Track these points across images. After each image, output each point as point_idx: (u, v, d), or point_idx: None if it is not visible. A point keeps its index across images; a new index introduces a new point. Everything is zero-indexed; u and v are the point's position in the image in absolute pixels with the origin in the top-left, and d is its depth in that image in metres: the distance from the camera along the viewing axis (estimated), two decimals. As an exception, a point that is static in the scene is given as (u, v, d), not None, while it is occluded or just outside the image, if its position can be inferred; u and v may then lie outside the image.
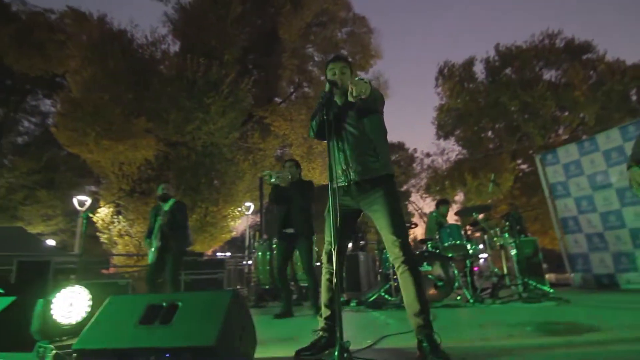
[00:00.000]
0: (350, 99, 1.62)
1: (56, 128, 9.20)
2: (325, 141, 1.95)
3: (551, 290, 3.85)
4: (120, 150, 9.06)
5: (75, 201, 10.78)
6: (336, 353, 1.30)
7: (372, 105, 1.82)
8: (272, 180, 3.24)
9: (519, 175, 19.11)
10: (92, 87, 9.56)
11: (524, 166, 19.62)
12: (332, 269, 1.76)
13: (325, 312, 1.84)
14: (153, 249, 3.59)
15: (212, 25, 11.24)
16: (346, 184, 1.86)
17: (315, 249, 3.99)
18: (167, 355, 1.34)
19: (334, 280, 1.51)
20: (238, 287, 7.23)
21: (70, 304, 2.46)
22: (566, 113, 18.37)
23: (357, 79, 1.65)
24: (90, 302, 2.55)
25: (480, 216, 3.99)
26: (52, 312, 2.37)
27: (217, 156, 11.28)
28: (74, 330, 2.42)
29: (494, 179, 3.87)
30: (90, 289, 2.71)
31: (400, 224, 1.79)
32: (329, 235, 1.80)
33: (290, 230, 3.58)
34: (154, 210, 3.83)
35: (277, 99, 14.35)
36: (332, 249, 1.54)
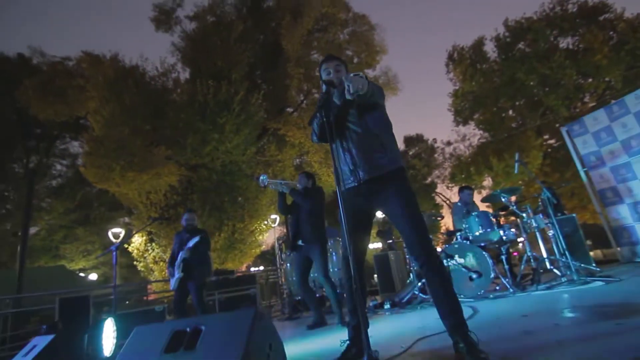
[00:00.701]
0: (348, 97, 1.57)
1: (84, 167, 9.64)
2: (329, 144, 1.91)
3: (598, 269, 3.60)
4: (144, 180, 9.37)
5: (110, 234, 11.24)
6: (364, 364, 1.24)
7: (371, 100, 1.75)
8: (271, 186, 3.29)
9: (547, 151, 18.30)
10: (112, 123, 9.99)
11: (551, 141, 18.79)
12: (351, 274, 1.69)
13: (352, 319, 1.77)
14: (176, 278, 3.66)
15: (217, 47, 11.52)
16: (356, 184, 1.78)
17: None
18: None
19: (354, 285, 1.44)
20: (272, 300, 7.25)
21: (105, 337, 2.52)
22: (589, 80, 17.46)
23: (351, 74, 1.60)
24: (115, 334, 2.60)
25: (513, 199, 3.79)
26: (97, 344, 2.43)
27: (237, 173, 11.46)
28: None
29: (519, 159, 3.67)
30: (126, 319, 2.76)
31: (417, 220, 1.69)
32: (346, 239, 1.75)
33: (300, 242, 3.55)
34: (178, 237, 3.91)
35: (289, 109, 14.46)
36: (349, 254, 1.48)
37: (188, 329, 1.51)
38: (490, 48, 19.36)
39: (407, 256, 5.05)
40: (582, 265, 3.67)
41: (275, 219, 13.49)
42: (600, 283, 3.04)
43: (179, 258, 3.73)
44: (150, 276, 11.16)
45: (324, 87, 1.80)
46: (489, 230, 3.60)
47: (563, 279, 3.45)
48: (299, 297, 5.19)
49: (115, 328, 2.61)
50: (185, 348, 1.43)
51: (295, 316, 4.92)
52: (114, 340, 2.57)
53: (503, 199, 3.68)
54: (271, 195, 12.69)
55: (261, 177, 3.37)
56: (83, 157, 10.14)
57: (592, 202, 4.94)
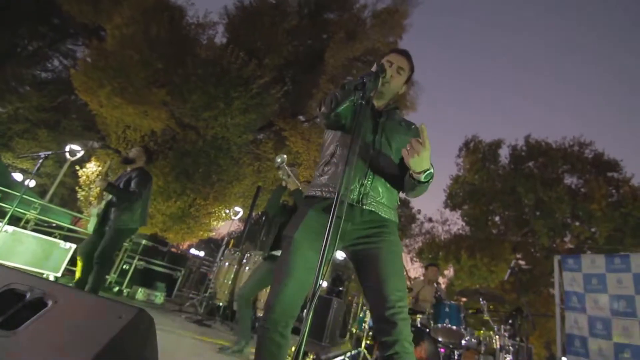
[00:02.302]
0: (416, 175, 1.23)
1: (75, 70, 8.93)
2: (330, 128, 1.46)
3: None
4: (129, 112, 8.69)
5: (67, 149, 10.31)
6: None
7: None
8: (282, 170, 2.75)
9: (515, 269, 18.31)
10: (127, 45, 9.37)
11: (522, 262, 18.96)
12: (279, 330, 1.20)
13: None
14: (94, 216, 3.01)
15: (264, 27, 11.26)
16: (354, 204, 1.31)
17: None
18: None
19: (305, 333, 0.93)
20: (192, 292, 6.50)
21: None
22: (577, 223, 17.93)
23: (427, 152, 1.19)
24: None
25: (487, 306, 3.37)
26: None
27: (224, 152, 10.86)
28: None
29: (514, 267, 3.32)
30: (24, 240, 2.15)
31: (403, 283, 1.27)
32: (289, 275, 1.23)
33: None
34: (123, 177, 3.30)
35: (302, 117, 14.14)
36: (315, 289, 0.96)
37: (28, 294, 0.97)
38: (504, 153, 19.88)
39: (352, 310, 4.52)
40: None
41: (239, 212, 12.81)
42: None
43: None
44: (86, 210, 10.20)
45: (374, 67, 1.38)
46: (454, 328, 3.14)
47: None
48: (221, 304, 4.55)
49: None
50: (4, 322, 0.89)
51: (207, 322, 4.27)
52: None
53: (481, 302, 3.27)
54: (245, 188, 12.07)
55: (282, 155, 2.81)
56: (80, 61, 9.42)
57: (556, 343, 4.57)
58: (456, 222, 20.01)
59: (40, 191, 16.22)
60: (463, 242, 18.28)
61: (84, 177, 10.43)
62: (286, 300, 1.21)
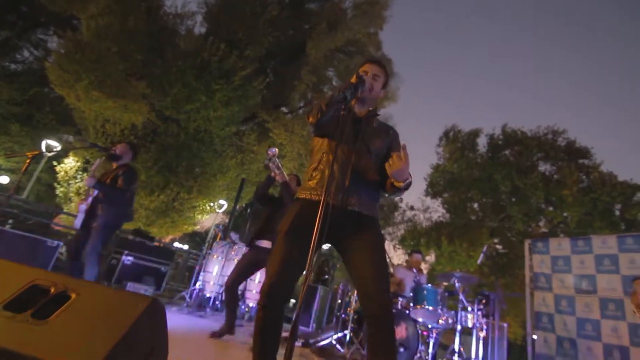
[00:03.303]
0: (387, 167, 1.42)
1: (50, 64, 8.65)
2: (318, 134, 1.62)
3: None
4: (108, 105, 8.52)
5: (43, 144, 10.06)
6: None
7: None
8: (272, 162, 2.88)
9: (492, 254, 19.11)
10: (104, 36, 9.12)
11: (499, 246, 19.71)
12: (271, 311, 1.38)
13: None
14: (82, 213, 3.05)
15: (245, 17, 11.13)
16: (338, 205, 1.47)
17: None
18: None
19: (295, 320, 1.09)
20: (182, 284, 6.60)
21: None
22: (551, 208, 18.76)
23: (406, 166, 1.42)
24: None
25: (461, 288, 3.64)
26: None
27: (207, 144, 10.81)
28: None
29: (486, 251, 3.59)
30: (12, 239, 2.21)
31: (388, 276, 1.47)
32: (284, 262, 1.42)
33: (265, 244, 3.13)
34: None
35: (284, 109, 14.15)
36: (305, 279, 1.13)
37: (52, 289, 1.09)
38: (482, 142, 20.45)
39: (338, 298, 4.74)
40: (500, 379, 3.55)
41: (223, 205, 12.82)
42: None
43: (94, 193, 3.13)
44: (66, 206, 10.00)
45: (354, 79, 1.53)
46: (431, 309, 3.39)
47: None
48: (210, 295, 4.68)
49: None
50: (34, 314, 1.01)
51: (199, 313, 4.40)
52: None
53: (456, 284, 3.53)
54: (229, 180, 12.07)
55: (273, 149, 2.92)
56: (54, 53, 9.10)
57: (527, 321, 4.93)
58: (437, 210, 20.55)
59: (13, 187, 15.66)
60: (443, 229, 18.85)
61: (62, 173, 10.19)
62: (279, 284, 1.39)
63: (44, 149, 9.93)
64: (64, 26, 13.87)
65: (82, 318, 1.01)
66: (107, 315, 1.03)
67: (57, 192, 10.28)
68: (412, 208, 21.21)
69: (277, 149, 2.98)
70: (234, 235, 3.11)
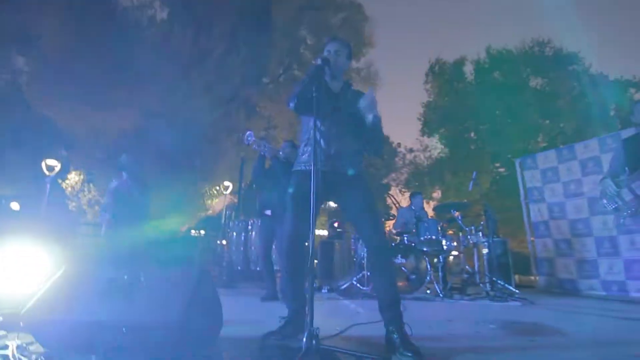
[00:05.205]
0: (368, 117, 1.74)
1: (28, 87, 8.64)
2: (301, 115, 1.90)
3: (517, 291, 3.97)
4: (98, 119, 8.63)
5: (43, 165, 10.26)
6: (304, 339, 1.26)
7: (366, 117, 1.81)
8: (254, 144, 3.19)
9: (496, 178, 19.52)
10: (71, 50, 8.99)
11: (501, 169, 20.07)
12: (299, 257, 1.74)
13: (290, 304, 1.80)
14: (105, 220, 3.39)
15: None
16: (326, 169, 1.78)
17: None
18: (124, 329, 1.26)
19: (310, 267, 1.45)
20: (209, 266, 7.12)
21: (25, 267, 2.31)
22: (547, 122, 18.86)
23: (372, 98, 1.73)
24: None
25: (457, 214, 4.03)
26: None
27: (199, 136, 10.94)
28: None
29: (475, 178, 3.93)
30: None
31: (375, 214, 1.82)
32: (294, 221, 1.78)
33: (268, 212, 3.49)
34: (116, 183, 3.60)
35: (265, 80, 14.02)
36: (308, 236, 1.48)
37: (125, 277, 1.43)
38: (469, 69, 20.12)
39: (352, 247, 5.20)
40: (505, 285, 4.02)
41: (228, 186, 13.17)
42: (517, 303, 3.37)
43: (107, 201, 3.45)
44: (82, 218, 10.45)
45: (319, 60, 1.76)
46: (434, 238, 3.81)
47: (487, 293, 3.77)
48: (240, 267, 5.16)
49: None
50: (121, 296, 1.36)
51: (232, 285, 4.89)
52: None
53: (452, 212, 3.91)
54: (229, 162, 12.32)
55: (247, 133, 3.23)
56: (29, 77, 9.05)
57: (526, 231, 5.38)
58: (435, 147, 20.66)
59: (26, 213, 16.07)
60: (445, 164, 19.07)
61: (69, 189, 10.53)
62: (295, 240, 1.78)
63: (45, 170, 10.18)
64: (25, 44, 13.52)
65: (154, 291, 1.37)
66: (172, 286, 1.38)
67: (70, 207, 10.67)
68: (411, 150, 21.38)
69: (250, 132, 3.26)
70: (268, 212, 3.47)
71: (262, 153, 3.37)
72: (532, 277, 5.85)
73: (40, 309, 1.33)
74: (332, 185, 1.78)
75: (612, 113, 18.12)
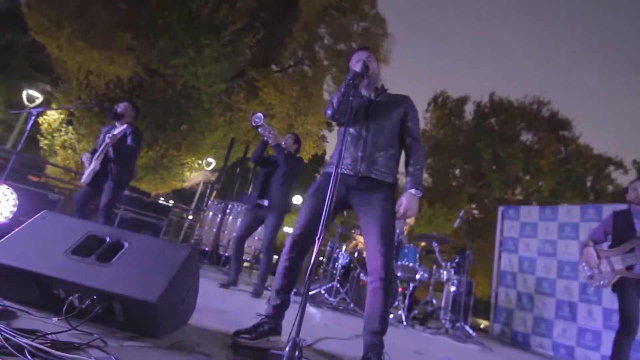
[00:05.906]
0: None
1: (28, 7, 8.13)
2: (337, 123, 1.85)
3: (474, 334, 4.02)
4: (93, 57, 8.21)
5: (24, 94, 9.69)
6: (287, 349, 1.18)
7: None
8: (262, 127, 3.10)
9: (469, 218, 20.03)
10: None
11: (475, 211, 20.65)
12: (302, 254, 1.72)
13: (275, 299, 1.71)
14: (90, 169, 3.18)
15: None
16: (352, 174, 1.75)
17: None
18: (94, 297, 1.14)
19: (309, 269, 1.37)
20: (174, 240, 6.88)
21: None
22: (527, 177, 19.60)
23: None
24: (15, 208, 2.22)
25: (436, 246, 4.06)
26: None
27: (195, 102, 10.64)
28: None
29: (462, 217, 3.97)
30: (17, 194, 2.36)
31: (390, 233, 1.72)
32: (307, 218, 1.71)
33: (265, 203, 3.38)
34: (106, 130, 3.40)
35: (275, 67, 13.83)
36: (317, 237, 1.39)
37: (107, 239, 1.31)
38: (470, 109, 20.65)
39: (326, 254, 5.13)
40: (464, 325, 4.07)
41: (211, 163, 12.89)
42: (476, 347, 3.40)
43: (101, 147, 3.24)
44: (51, 159, 9.90)
45: (357, 68, 1.74)
46: (410, 265, 3.80)
47: (446, 330, 3.79)
48: (207, 248, 4.99)
49: (15, 197, 2.21)
50: (98, 258, 1.23)
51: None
52: (10, 215, 2.17)
53: (434, 245, 3.93)
54: (217, 139, 12.04)
55: (258, 114, 3.12)
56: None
57: (492, 278, 5.49)
58: (420, 174, 20.96)
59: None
60: (425, 193, 19.38)
61: (46, 125, 9.95)
62: (303, 236, 1.72)
63: (25, 100, 9.61)
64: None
65: (137, 262, 1.25)
66: (158, 259, 1.27)
67: (41, 144, 10.10)
68: (396, 173, 21.58)
69: (261, 114, 3.17)
70: (265, 202, 3.36)
71: (265, 138, 3.27)
72: (487, 323, 5.98)
73: (8, 252, 1.18)
74: (359, 191, 1.75)
75: (588, 184, 19.05)
